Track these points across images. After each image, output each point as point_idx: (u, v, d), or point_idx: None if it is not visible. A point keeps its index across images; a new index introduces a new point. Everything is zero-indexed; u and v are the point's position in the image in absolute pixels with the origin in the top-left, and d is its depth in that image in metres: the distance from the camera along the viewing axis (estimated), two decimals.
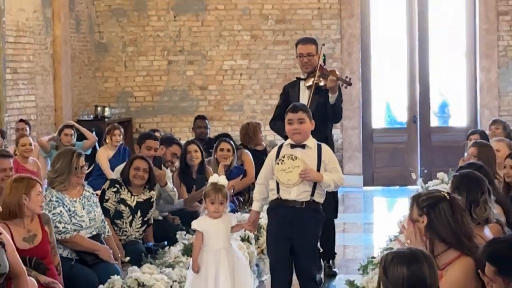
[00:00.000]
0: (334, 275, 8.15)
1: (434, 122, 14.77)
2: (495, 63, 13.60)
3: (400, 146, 14.13)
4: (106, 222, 7.44)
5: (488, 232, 5.33)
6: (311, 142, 6.03)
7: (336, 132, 13.18)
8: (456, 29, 14.48)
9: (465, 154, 8.64)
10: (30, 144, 9.81)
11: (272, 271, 6.23)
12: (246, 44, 14.04)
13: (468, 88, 14.01)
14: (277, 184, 5.96)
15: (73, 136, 11.00)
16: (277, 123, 7.89)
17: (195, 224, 6.05)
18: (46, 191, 7.32)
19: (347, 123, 13.61)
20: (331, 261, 8.26)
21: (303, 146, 5.95)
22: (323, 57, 8.17)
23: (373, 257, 7.71)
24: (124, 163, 8.67)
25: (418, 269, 3.59)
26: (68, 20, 13.41)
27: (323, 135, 7.69)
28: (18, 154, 9.53)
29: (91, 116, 13.41)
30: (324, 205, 7.45)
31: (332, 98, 7.70)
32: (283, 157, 5.91)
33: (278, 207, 6.02)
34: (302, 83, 8.02)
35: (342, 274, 8.39)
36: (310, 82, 7.91)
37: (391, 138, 14.30)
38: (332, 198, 7.95)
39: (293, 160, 5.88)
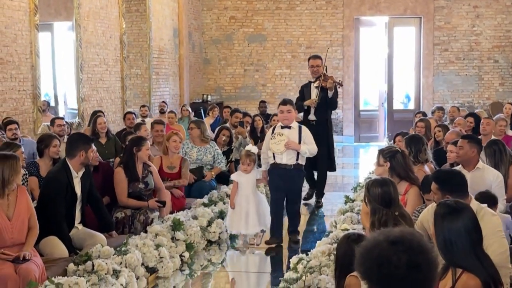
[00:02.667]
0: (320, 206, 9.40)
1: (397, 106, 18.37)
2: (431, 73, 17.62)
3: (375, 119, 18.18)
4: (221, 159, 9.14)
5: (427, 168, 6.70)
6: (295, 124, 7.32)
7: (338, 111, 17.13)
8: (409, 52, 18.02)
9: (413, 125, 10.94)
10: (173, 117, 12.36)
11: (272, 213, 7.40)
12: (289, 60, 17.92)
13: (416, 87, 18.06)
14: (273, 153, 7.25)
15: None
16: (297, 105, 8.72)
17: (233, 176, 7.48)
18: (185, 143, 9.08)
19: (345, 106, 17.75)
20: (320, 198, 9.57)
21: (289, 127, 7.26)
22: (325, 67, 9.45)
23: (360, 183, 9.43)
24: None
25: (388, 189, 4.52)
26: (188, 45, 17.11)
27: (325, 117, 9.43)
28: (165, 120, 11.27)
29: (200, 100, 17.22)
30: (321, 160, 9.17)
31: (330, 94, 9.18)
32: (275, 134, 7.22)
33: (275, 169, 7.32)
34: (312, 84, 9.42)
35: (341, 192, 9.89)
36: (317, 84, 9.25)
37: (370, 114, 18.37)
38: (327, 158, 9.37)
39: (280, 136, 7.16)
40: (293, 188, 7.38)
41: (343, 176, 12.85)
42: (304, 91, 9.49)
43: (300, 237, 7.58)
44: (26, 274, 4.87)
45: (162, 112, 13.29)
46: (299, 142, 7.22)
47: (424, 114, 12.07)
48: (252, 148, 7.35)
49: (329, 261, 5.34)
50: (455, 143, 6.85)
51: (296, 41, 17.74)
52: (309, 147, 7.24)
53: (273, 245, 7.24)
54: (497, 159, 6.74)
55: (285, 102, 7.33)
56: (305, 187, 9.19)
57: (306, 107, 9.37)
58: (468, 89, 17.74)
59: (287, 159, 7.21)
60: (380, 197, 4.50)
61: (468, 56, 17.66)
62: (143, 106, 13.25)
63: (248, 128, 11.73)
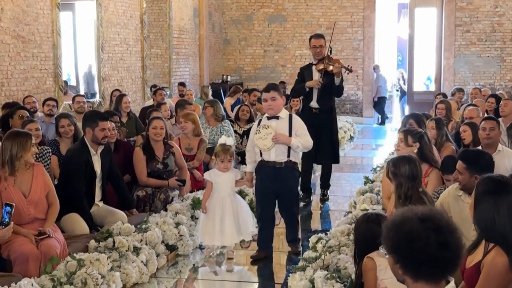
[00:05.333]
0: (326, 200, 8.58)
1: (417, 87, 18.37)
2: (452, 54, 17.52)
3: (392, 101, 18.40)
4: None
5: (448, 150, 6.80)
6: (284, 113, 5.98)
7: (359, 93, 17.61)
8: (430, 33, 17.97)
9: (433, 106, 10.35)
10: (191, 94, 12.32)
11: (259, 221, 6.17)
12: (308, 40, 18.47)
13: (437, 68, 17.97)
14: (260, 150, 5.95)
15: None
16: (295, 87, 8.52)
17: (206, 175, 6.11)
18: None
19: (366, 87, 17.81)
20: (325, 191, 8.71)
21: (277, 118, 5.91)
22: (330, 49, 8.39)
23: (378, 165, 9.21)
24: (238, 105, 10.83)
25: (414, 165, 4.57)
26: (208, 25, 17.09)
27: (328, 105, 8.39)
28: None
29: (220, 80, 17.27)
30: (324, 153, 8.36)
31: (337, 80, 8.12)
32: (260, 127, 5.89)
33: (262, 167, 6.00)
34: (313, 67, 8.31)
35: (360, 173, 9.77)
36: (320, 67, 8.14)
37: (390, 96, 18.46)
38: (330, 150, 8.47)
39: (266, 129, 5.84)
40: (286, 190, 6.09)
41: (362, 157, 12.91)
42: (304, 73, 8.40)
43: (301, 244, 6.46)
44: (48, 250, 4.93)
45: (181, 95, 13.02)
46: (290, 134, 5.96)
47: (445, 95, 11.98)
48: (227, 140, 6.10)
49: (348, 240, 5.33)
50: (469, 124, 6.82)
51: (317, 22, 17.71)
52: (302, 140, 5.97)
53: (261, 258, 6.14)
54: None
55: (268, 88, 6.00)
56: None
57: (308, 89, 8.30)
58: (490, 70, 17.56)
59: (276, 155, 5.95)
60: (408, 172, 4.53)
61: (490, 38, 17.44)
62: (160, 88, 12.82)
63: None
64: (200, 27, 16.82)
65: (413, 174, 4.55)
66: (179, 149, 7.42)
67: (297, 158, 6.13)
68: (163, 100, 10.60)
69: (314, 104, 8.30)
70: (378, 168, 8.75)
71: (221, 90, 15.64)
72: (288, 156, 5.98)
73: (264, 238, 6.16)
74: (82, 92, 11.82)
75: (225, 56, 18.51)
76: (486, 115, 8.40)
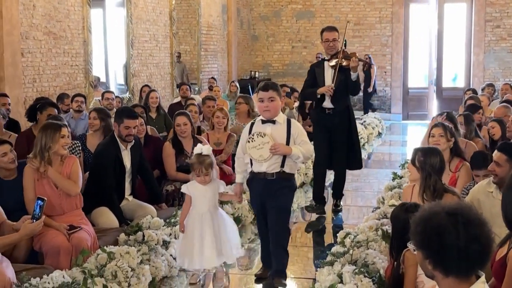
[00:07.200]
0: (339, 211, 7.80)
1: (446, 83, 18.13)
2: (482, 50, 17.25)
3: (423, 97, 17.96)
4: None
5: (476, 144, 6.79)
6: (281, 118, 5.18)
7: (386, 89, 17.51)
8: (460, 29, 17.76)
9: (462, 102, 10.15)
10: (219, 91, 12.37)
11: (260, 233, 5.49)
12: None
13: (466, 64, 17.71)
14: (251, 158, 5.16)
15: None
16: (305, 92, 7.76)
17: (184, 188, 5.28)
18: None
19: (394, 83, 17.73)
20: (338, 201, 7.89)
21: (273, 122, 5.12)
22: (344, 42, 7.60)
23: (407, 160, 8.08)
24: None
25: (442, 158, 4.67)
26: (236, 21, 17.17)
27: (344, 104, 7.50)
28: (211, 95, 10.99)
29: (248, 76, 17.38)
30: (338, 159, 7.57)
31: (353, 75, 7.24)
32: (253, 135, 5.09)
33: (253, 180, 5.23)
34: (326, 63, 7.42)
35: (388, 169, 9.70)
36: (333, 63, 7.29)
37: (418, 92, 18.03)
38: (346, 155, 7.60)
39: (262, 137, 5.05)
40: (273, 206, 5.16)
41: (390, 154, 12.92)
42: (316, 72, 7.48)
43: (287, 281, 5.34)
44: (79, 243, 4.97)
45: (211, 88, 13.20)
46: (287, 143, 5.12)
47: (474, 91, 11.82)
48: (203, 148, 5.22)
49: (376, 236, 5.30)
50: (497, 120, 6.79)
51: (345, 18, 17.50)
52: (303, 149, 5.13)
53: (265, 276, 5.42)
54: None
55: (266, 87, 5.15)
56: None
57: (319, 96, 7.46)
58: None
59: (267, 165, 5.11)
60: (438, 165, 4.58)
61: None
62: (184, 83, 12.81)
63: (297, 103, 11.49)
64: (229, 24, 16.90)
65: (441, 167, 4.59)
66: (208, 143, 7.41)
67: (294, 168, 5.24)
68: (185, 95, 10.61)
69: (327, 104, 7.44)
70: (406, 165, 8.28)
71: (249, 86, 15.67)
72: (281, 166, 5.12)
73: (266, 254, 5.38)
74: (112, 89, 11.89)
75: (253, 52, 18.52)
76: None
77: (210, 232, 5.12)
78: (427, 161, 4.58)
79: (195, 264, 5.18)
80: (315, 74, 7.45)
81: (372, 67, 16.19)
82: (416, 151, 4.77)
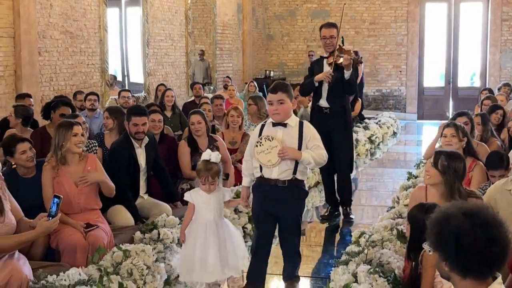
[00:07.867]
0: (350, 221, 7.38)
1: (462, 83, 18.02)
2: (498, 49, 17.18)
3: (439, 97, 18.02)
4: None
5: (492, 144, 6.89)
6: (293, 120, 4.90)
7: (402, 88, 17.40)
8: (476, 28, 17.66)
9: (479, 102, 10.29)
10: (234, 90, 12.57)
11: (256, 244, 5.01)
12: (352, 36, 17.52)
13: (482, 64, 17.66)
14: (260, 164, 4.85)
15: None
16: (304, 83, 7.62)
17: (187, 196, 5.00)
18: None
19: (409, 83, 17.62)
20: (348, 208, 7.52)
21: (285, 125, 4.85)
22: (341, 39, 7.38)
23: (422, 160, 8.76)
24: None
25: (464, 165, 4.60)
26: (251, 20, 17.28)
27: (341, 105, 7.26)
28: (226, 94, 11.75)
29: (263, 76, 17.34)
30: (340, 163, 7.30)
31: (346, 74, 7.01)
32: (261, 138, 4.82)
33: (261, 185, 4.92)
34: (324, 60, 7.26)
35: (404, 169, 9.63)
36: (330, 60, 7.14)
37: (434, 91, 18.12)
38: (347, 156, 7.40)
39: (270, 140, 4.78)
40: (288, 215, 4.91)
41: (405, 153, 12.87)
42: (315, 68, 7.33)
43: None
44: (95, 240, 5.00)
45: (226, 87, 13.21)
46: (299, 147, 4.82)
47: (491, 91, 11.76)
48: (212, 155, 4.95)
49: (391, 235, 5.29)
50: None
51: (360, 17, 17.59)
52: (315, 154, 4.80)
53: None
54: None
55: (275, 88, 4.85)
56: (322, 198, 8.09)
57: (317, 84, 7.20)
58: None
59: (279, 172, 4.80)
60: (461, 171, 4.51)
61: None
62: (197, 82, 12.66)
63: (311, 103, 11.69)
64: (244, 23, 16.97)
65: (463, 173, 4.52)
66: (223, 142, 7.40)
67: (304, 175, 4.93)
68: (198, 94, 10.64)
69: (323, 102, 7.25)
70: (421, 164, 8.51)
71: (264, 85, 15.63)
72: (294, 173, 4.82)
73: (256, 270, 4.99)
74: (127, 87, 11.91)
75: (268, 52, 18.54)
76: None
77: (215, 242, 4.80)
78: (451, 165, 4.48)
79: (193, 276, 4.87)
80: (314, 71, 7.32)
81: (360, 66, 16.14)
82: (439, 154, 4.60)
